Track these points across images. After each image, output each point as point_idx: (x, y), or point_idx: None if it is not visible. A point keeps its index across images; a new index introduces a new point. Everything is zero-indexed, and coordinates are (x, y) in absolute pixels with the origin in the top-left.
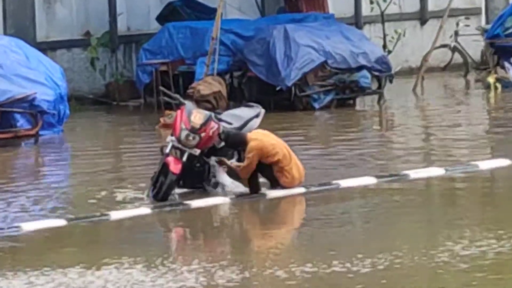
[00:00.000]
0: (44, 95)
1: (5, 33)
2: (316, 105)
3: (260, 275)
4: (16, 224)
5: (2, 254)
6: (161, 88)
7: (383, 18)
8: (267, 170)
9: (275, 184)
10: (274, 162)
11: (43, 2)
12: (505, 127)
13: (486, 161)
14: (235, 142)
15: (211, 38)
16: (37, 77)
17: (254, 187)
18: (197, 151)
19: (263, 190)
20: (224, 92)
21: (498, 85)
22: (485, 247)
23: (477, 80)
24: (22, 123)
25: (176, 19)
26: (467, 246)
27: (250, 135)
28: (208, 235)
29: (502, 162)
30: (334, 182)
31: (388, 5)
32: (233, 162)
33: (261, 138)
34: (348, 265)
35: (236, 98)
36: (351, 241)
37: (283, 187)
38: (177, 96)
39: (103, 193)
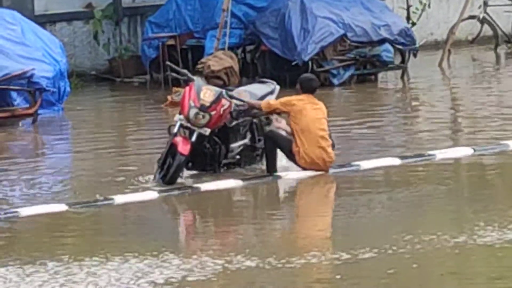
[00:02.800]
0: (42, 72)
1: (1, 5)
2: (335, 81)
3: (274, 264)
4: (13, 209)
5: None
6: (168, 63)
7: None
8: (286, 142)
9: (293, 161)
10: (296, 128)
11: None
12: None
13: None
14: None
15: (222, 9)
16: (35, 52)
17: (270, 167)
18: (207, 131)
19: (280, 172)
20: (236, 67)
21: None
22: None
23: (507, 54)
24: (19, 101)
25: None
26: (497, 231)
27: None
28: (219, 220)
29: None
30: (355, 163)
31: None
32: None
33: (304, 101)
34: (375, 250)
35: (248, 73)
36: (374, 227)
37: (300, 166)
38: (186, 72)
39: (107, 176)
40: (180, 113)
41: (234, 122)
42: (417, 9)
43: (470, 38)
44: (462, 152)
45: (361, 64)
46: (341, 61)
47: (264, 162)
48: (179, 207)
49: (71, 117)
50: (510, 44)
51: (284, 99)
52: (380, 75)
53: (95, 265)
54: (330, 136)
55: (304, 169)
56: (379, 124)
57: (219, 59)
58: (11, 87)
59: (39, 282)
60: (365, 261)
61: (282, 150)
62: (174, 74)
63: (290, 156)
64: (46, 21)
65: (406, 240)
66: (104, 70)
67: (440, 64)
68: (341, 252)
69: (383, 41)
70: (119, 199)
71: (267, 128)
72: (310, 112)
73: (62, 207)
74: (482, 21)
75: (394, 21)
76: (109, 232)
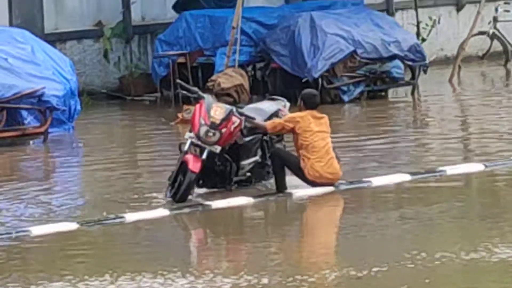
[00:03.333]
0: (53, 90)
1: (11, 24)
2: (346, 98)
3: (284, 282)
4: (25, 228)
5: (10, 260)
6: (179, 81)
7: (416, 4)
8: (293, 159)
9: (301, 178)
10: (302, 146)
11: None
12: None
13: None
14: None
15: (231, 27)
16: (45, 71)
17: (280, 185)
18: (217, 148)
19: (290, 189)
20: (246, 84)
21: None
22: None
23: None
24: (30, 120)
25: (194, 7)
26: (510, 247)
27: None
28: (230, 238)
29: None
30: (365, 179)
31: None
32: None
33: (307, 117)
34: (387, 267)
35: (259, 91)
36: (385, 244)
37: (308, 181)
38: (196, 89)
39: (118, 193)
40: (190, 131)
41: (245, 140)
42: (427, 25)
43: (480, 53)
44: (473, 168)
45: (371, 80)
46: (351, 77)
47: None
48: (190, 225)
49: (82, 135)
50: None
51: (287, 116)
52: (390, 91)
53: (106, 284)
54: (333, 149)
55: (313, 185)
56: (390, 141)
57: (229, 77)
58: (22, 105)
59: None
60: (377, 277)
61: (289, 167)
62: (184, 92)
63: (298, 172)
64: (56, 39)
65: (419, 257)
66: (114, 88)
67: (450, 80)
68: (353, 269)
69: (393, 57)
70: (130, 217)
71: (277, 146)
72: (314, 127)
73: (73, 226)
74: (492, 36)
75: (404, 37)
76: (120, 251)
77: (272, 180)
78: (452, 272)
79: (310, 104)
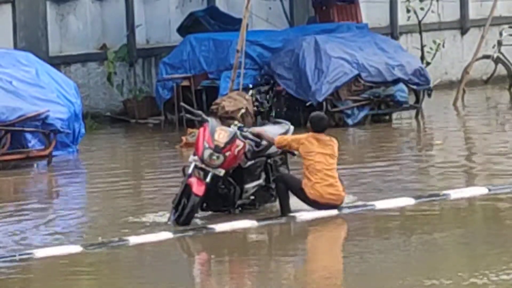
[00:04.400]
0: (57, 113)
1: (15, 47)
2: (350, 121)
3: None
4: (28, 251)
5: (13, 283)
6: (183, 104)
7: (420, 28)
8: (295, 182)
9: (302, 198)
10: (304, 167)
11: (56, 14)
12: None
13: None
14: None
15: (236, 50)
16: (49, 94)
17: (285, 209)
18: (221, 172)
19: (294, 213)
20: (251, 108)
21: None
22: None
23: None
24: (34, 143)
25: (198, 30)
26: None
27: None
28: (234, 262)
29: None
30: (369, 203)
31: (426, 14)
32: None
33: (312, 139)
34: None
35: (263, 114)
36: (388, 270)
37: (310, 200)
38: (200, 112)
39: (121, 217)
40: (194, 154)
41: (249, 163)
42: (431, 48)
43: (484, 77)
44: (477, 191)
45: (375, 104)
46: (355, 101)
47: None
48: (193, 248)
49: (86, 158)
50: None
51: (295, 136)
52: (394, 115)
53: None
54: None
55: (315, 206)
56: (394, 164)
57: (233, 100)
58: (26, 128)
59: None
60: None
61: (291, 190)
62: (188, 115)
63: (300, 193)
64: (60, 62)
65: (422, 283)
66: (118, 111)
67: (454, 104)
68: None
69: (397, 81)
70: (134, 239)
71: (282, 169)
72: (316, 149)
73: (77, 249)
74: (496, 60)
75: (408, 61)
76: (123, 274)
77: (276, 203)
78: None
79: (317, 127)
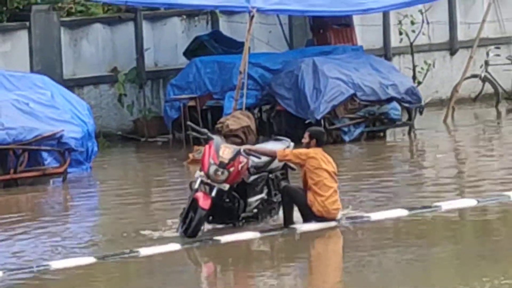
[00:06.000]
0: (71, 133)
1: (31, 70)
2: (346, 138)
3: None
4: (45, 263)
5: None
6: (189, 123)
7: (412, 49)
8: (301, 197)
9: (307, 213)
10: (312, 183)
11: (70, 39)
12: None
13: None
14: None
15: (239, 72)
16: (64, 115)
17: (288, 220)
18: (226, 186)
19: (295, 224)
20: (253, 126)
21: None
22: None
23: (508, 110)
24: (49, 161)
25: (203, 53)
26: (505, 282)
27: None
28: (239, 271)
29: None
30: (365, 215)
31: (417, 36)
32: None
33: (319, 155)
34: None
35: (265, 132)
36: (384, 280)
37: (315, 216)
38: (206, 131)
39: (133, 229)
40: (200, 170)
41: (252, 178)
42: (422, 69)
43: (472, 95)
44: (467, 203)
45: (370, 121)
46: (351, 119)
47: (280, 214)
48: (200, 259)
49: (99, 175)
50: (511, 101)
51: (299, 151)
52: (388, 131)
53: None
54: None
55: (318, 219)
56: (388, 178)
57: (237, 119)
58: (42, 147)
59: None
60: None
61: (296, 203)
62: (194, 134)
63: (305, 208)
64: (74, 85)
65: None
66: (129, 130)
67: (444, 121)
68: None
69: (390, 99)
70: (144, 251)
71: (283, 183)
72: (324, 166)
73: (90, 260)
74: (484, 79)
75: (401, 80)
76: (135, 284)
77: (277, 216)
78: None
79: (321, 142)
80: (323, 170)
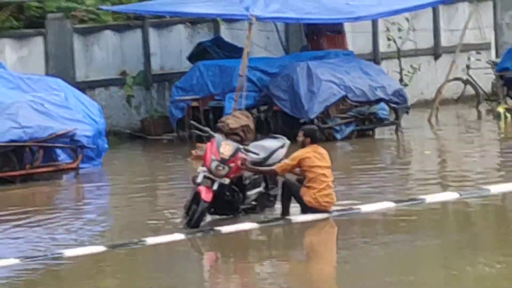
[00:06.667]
0: (83, 131)
1: (47, 73)
2: (338, 136)
3: None
4: (58, 251)
5: (46, 279)
6: (193, 122)
7: (399, 54)
8: (297, 189)
9: (301, 203)
10: (308, 179)
11: (82, 45)
12: None
13: (497, 185)
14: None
15: (238, 75)
16: (77, 114)
17: (285, 211)
18: (226, 180)
19: (291, 216)
20: (252, 125)
21: (508, 115)
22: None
23: (488, 111)
24: (63, 157)
25: (206, 58)
26: (481, 267)
27: (304, 148)
28: (237, 259)
29: None
30: (355, 207)
31: (404, 42)
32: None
33: (312, 154)
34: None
35: (262, 130)
36: (374, 267)
37: (307, 206)
38: (207, 129)
39: (140, 220)
40: (203, 165)
41: (250, 173)
42: (408, 72)
43: (455, 97)
44: (449, 196)
45: (360, 121)
46: (343, 118)
47: (276, 207)
48: (203, 248)
49: (109, 170)
50: (490, 102)
51: (292, 157)
52: (377, 130)
53: None
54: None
55: (310, 210)
56: (377, 173)
57: (236, 118)
58: (56, 145)
59: None
60: None
61: (293, 195)
62: (197, 132)
63: (299, 200)
64: (86, 87)
65: (401, 280)
66: (137, 129)
67: (429, 120)
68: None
69: (379, 100)
70: (150, 240)
71: (279, 178)
72: (319, 163)
73: (101, 248)
74: (466, 82)
75: (389, 83)
76: (141, 270)
77: (274, 208)
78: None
79: (315, 139)
80: (318, 167)
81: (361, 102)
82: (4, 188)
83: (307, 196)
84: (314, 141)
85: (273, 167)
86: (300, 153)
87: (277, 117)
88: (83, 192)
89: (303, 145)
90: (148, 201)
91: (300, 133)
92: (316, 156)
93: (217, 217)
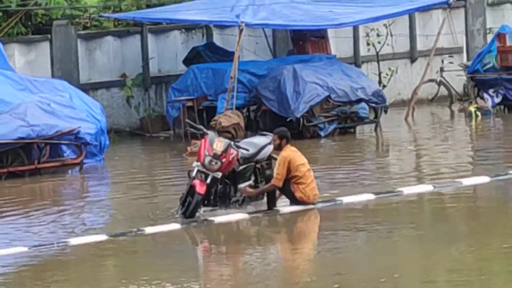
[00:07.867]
0: (87, 129)
1: (53, 76)
2: (322, 134)
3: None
4: (64, 240)
5: (54, 265)
6: (188, 121)
7: (378, 58)
8: (285, 185)
9: (292, 198)
10: (294, 177)
11: (85, 49)
12: (485, 149)
13: (469, 178)
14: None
15: (230, 77)
16: (80, 114)
17: (271, 204)
18: (219, 174)
19: (278, 207)
20: (242, 123)
21: (479, 114)
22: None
23: (460, 110)
24: (68, 153)
25: (199, 61)
26: (455, 253)
27: (283, 152)
28: (230, 247)
29: (483, 179)
30: (337, 198)
31: (382, 46)
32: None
33: (292, 154)
34: (361, 274)
35: (252, 128)
36: (358, 255)
37: (297, 201)
38: (201, 127)
39: (139, 211)
40: (197, 161)
41: (241, 167)
42: (387, 74)
43: (429, 97)
44: (425, 188)
45: (342, 119)
46: (326, 117)
47: (265, 199)
48: (197, 236)
49: (110, 165)
50: (462, 101)
51: (280, 161)
52: (358, 128)
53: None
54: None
55: (299, 203)
56: (357, 167)
57: (228, 117)
58: (62, 142)
59: None
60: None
61: (280, 190)
62: (192, 130)
63: (288, 195)
64: (89, 88)
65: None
66: (136, 127)
67: (406, 118)
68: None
69: (360, 100)
70: (149, 230)
71: (268, 172)
72: (301, 161)
73: (103, 237)
74: (439, 83)
75: (369, 84)
76: (140, 257)
77: (263, 200)
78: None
79: (289, 139)
80: (301, 165)
81: (343, 102)
82: (14, 182)
83: (298, 192)
84: (288, 141)
85: (271, 183)
86: (283, 157)
87: (266, 116)
88: (87, 185)
89: (280, 147)
90: (146, 193)
91: (275, 137)
92: (295, 155)
93: (211, 208)
